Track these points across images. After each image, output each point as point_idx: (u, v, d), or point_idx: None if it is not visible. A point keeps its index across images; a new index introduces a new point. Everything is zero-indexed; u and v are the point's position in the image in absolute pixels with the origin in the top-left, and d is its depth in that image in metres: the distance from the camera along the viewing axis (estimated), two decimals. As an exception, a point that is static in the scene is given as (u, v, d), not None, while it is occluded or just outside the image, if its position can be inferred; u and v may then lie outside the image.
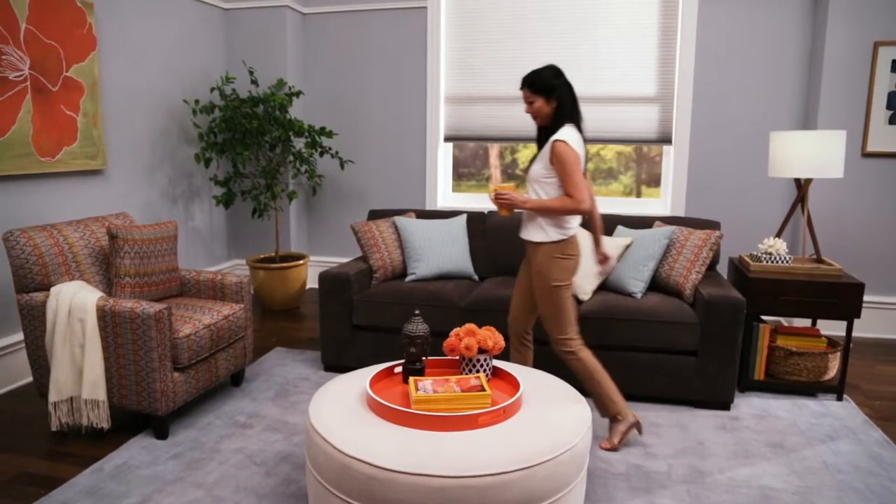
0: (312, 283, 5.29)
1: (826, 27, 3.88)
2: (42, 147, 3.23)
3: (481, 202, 4.89)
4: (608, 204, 4.64)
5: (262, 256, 4.73)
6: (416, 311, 2.11)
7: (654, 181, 4.60)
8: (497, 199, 2.42)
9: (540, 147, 2.56)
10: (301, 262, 4.57)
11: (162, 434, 2.60)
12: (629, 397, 3.09)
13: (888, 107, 3.85)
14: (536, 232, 2.48)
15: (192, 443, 2.59)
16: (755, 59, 4.20)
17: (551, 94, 2.43)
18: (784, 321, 4.20)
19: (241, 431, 2.69)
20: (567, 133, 2.40)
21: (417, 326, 2.10)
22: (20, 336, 3.23)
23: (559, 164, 2.37)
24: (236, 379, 3.18)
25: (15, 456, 2.48)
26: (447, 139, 4.82)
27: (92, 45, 3.50)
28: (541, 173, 2.46)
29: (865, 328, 4.13)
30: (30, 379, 3.27)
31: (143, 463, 2.42)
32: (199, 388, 2.75)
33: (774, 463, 2.46)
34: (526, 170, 2.56)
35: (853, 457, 2.52)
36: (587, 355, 2.54)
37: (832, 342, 3.20)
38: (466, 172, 4.95)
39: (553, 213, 2.40)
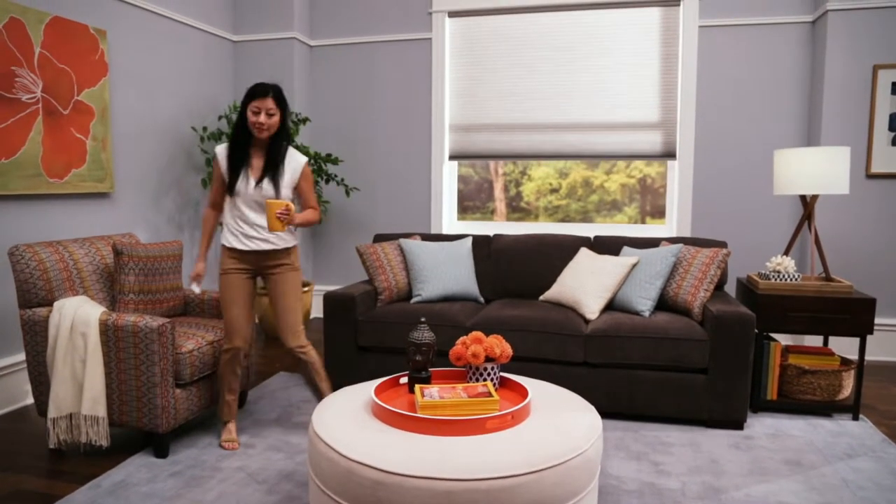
0: (317, 311, 5.25)
1: (825, 51, 3.94)
2: (51, 168, 3.26)
3: (486, 228, 4.89)
4: (614, 229, 4.64)
5: (266, 283, 4.70)
6: (422, 319, 2.08)
7: (659, 213, 4.60)
8: (284, 215, 2.45)
9: (241, 161, 2.57)
10: (306, 289, 4.55)
11: (162, 452, 2.54)
12: (637, 417, 3.01)
13: (890, 129, 3.87)
14: (289, 238, 2.72)
15: (192, 461, 2.52)
16: (756, 85, 4.25)
17: (286, 111, 2.59)
18: (792, 343, 4.13)
19: (242, 450, 2.63)
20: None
21: (423, 334, 2.07)
22: (21, 357, 3.20)
23: (308, 182, 2.67)
24: (239, 400, 3.13)
25: (10, 474, 2.42)
26: (452, 157, 4.85)
27: (103, 71, 3.57)
28: (289, 194, 2.64)
29: (875, 351, 4.06)
30: (29, 401, 3.22)
31: (142, 480, 2.36)
32: (200, 407, 2.70)
33: (792, 480, 2.38)
34: (252, 189, 2.58)
35: (874, 474, 2.43)
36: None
37: (845, 361, 3.14)
38: (472, 206, 4.97)
39: (308, 225, 2.67)
